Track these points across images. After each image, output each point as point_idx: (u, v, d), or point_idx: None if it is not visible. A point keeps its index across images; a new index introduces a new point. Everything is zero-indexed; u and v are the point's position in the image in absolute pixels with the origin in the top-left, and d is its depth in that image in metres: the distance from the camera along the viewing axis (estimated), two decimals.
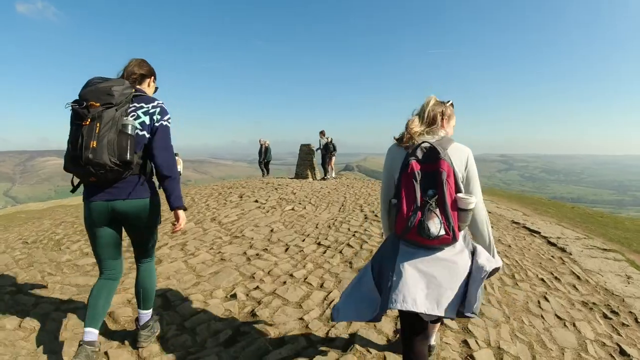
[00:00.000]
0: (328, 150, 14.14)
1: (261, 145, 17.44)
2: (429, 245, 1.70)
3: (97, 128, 1.90)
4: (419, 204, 1.61)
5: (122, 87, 2.06)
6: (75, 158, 1.92)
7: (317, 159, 15.23)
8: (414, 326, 1.84)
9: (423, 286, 1.70)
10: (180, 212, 2.25)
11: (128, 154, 1.97)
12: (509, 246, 5.94)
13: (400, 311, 1.79)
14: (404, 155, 1.76)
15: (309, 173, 14.19)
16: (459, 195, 1.65)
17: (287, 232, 5.25)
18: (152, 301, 2.48)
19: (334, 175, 15.23)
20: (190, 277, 3.56)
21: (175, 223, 2.27)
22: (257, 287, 3.36)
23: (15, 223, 6.85)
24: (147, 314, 2.47)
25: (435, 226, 1.59)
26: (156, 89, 2.51)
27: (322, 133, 14.33)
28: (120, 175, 2.04)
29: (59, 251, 4.43)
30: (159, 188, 2.33)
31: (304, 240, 4.89)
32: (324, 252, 4.45)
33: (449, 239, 1.62)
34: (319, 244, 4.78)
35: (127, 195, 2.13)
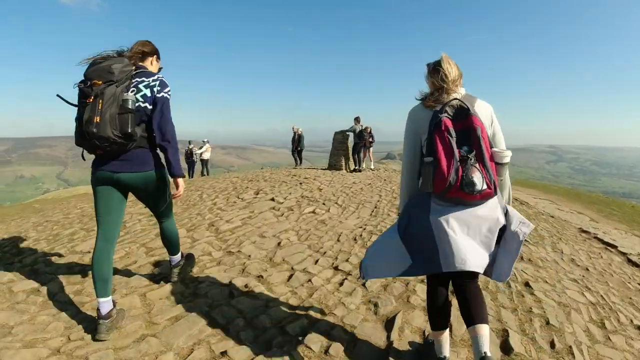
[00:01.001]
0: (362, 138, 12.69)
1: (294, 132, 16.35)
2: (467, 200, 1.70)
3: (100, 104, 2.08)
4: (458, 160, 1.62)
5: (122, 64, 2.23)
6: (82, 133, 2.12)
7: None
8: (444, 283, 1.94)
9: (466, 243, 1.70)
10: (180, 180, 2.48)
11: (129, 127, 2.14)
12: (587, 269, 4.57)
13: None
14: (430, 115, 1.76)
15: (343, 163, 12.84)
16: (494, 149, 1.73)
17: (297, 248, 4.02)
18: (178, 247, 2.93)
19: (372, 166, 13.80)
20: (137, 325, 2.39)
21: (174, 192, 2.52)
22: (226, 354, 2.15)
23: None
24: (176, 257, 2.98)
25: (479, 180, 1.60)
26: (160, 68, 2.67)
27: (356, 119, 12.92)
28: (124, 148, 2.22)
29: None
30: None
31: (316, 262, 3.65)
32: (341, 283, 3.20)
33: (491, 193, 1.66)
34: (336, 268, 3.53)
35: (131, 167, 2.30)
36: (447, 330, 2.02)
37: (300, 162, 16.58)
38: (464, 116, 1.68)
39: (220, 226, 4.70)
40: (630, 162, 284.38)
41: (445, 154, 1.62)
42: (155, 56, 2.59)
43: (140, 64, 2.46)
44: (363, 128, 12.73)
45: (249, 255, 3.75)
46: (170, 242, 2.84)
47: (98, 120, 2.04)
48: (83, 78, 2.17)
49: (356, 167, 12.66)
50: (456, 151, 1.61)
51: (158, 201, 2.56)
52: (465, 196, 1.64)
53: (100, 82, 2.12)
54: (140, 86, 2.31)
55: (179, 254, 2.99)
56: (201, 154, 17.28)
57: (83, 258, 3.60)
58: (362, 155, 12.85)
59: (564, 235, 6.41)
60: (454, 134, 1.64)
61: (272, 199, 6.36)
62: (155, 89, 2.33)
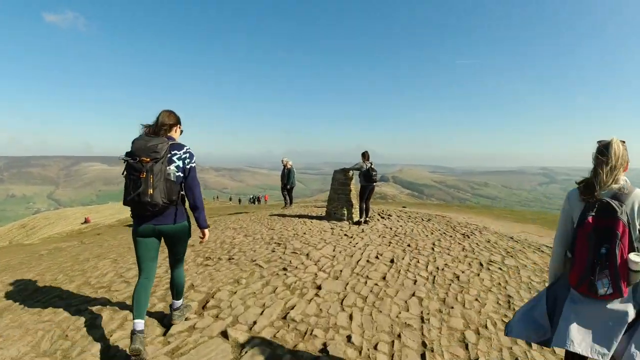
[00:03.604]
0: (371, 180, 9.07)
1: (284, 166, 13.33)
2: (595, 298, 1.88)
3: (151, 179, 2.68)
4: (591, 264, 1.83)
5: (164, 144, 2.82)
6: (134, 200, 2.70)
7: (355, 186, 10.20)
8: None
9: (589, 331, 1.90)
10: (206, 231, 3.22)
11: (174, 195, 2.87)
12: None
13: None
14: (582, 207, 1.95)
15: (345, 212, 9.63)
16: (630, 256, 1.78)
17: None
18: (182, 294, 3.39)
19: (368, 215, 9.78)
20: None
21: (202, 238, 3.24)
22: None
23: None
24: (179, 302, 3.40)
25: (604, 286, 1.79)
26: (181, 131, 3.26)
27: (365, 155, 9.16)
28: (167, 208, 2.88)
29: None
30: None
31: None
32: None
33: (617, 296, 1.81)
34: None
35: (172, 221, 2.96)
36: None
37: (291, 203, 13.48)
38: (610, 216, 1.80)
39: None
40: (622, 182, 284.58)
41: (581, 255, 1.88)
42: (178, 125, 3.19)
43: (169, 134, 3.07)
44: (372, 166, 9.15)
45: None
46: (177, 288, 3.29)
47: (152, 192, 2.67)
48: (131, 153, 2.74)
49: (361, 219, 9.35)
50: (591, 255, 1.83)
51: (182, 246, 3.17)
52: (592, 295, 1.86)
53: (149, 160, 2.70)
54: (174, 158, 2.91)
55: (182, 299, 3.43)
56: None
57: None
58: (369, 202, 9.59)
59: None
60: (593, 236, 1.82)
61: (224, 334, 3.28)
62: (186, 161, 2.97)
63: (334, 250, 6.08)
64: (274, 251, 5.92)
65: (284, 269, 5.03)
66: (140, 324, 2.79)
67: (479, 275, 5.26)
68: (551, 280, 2.22)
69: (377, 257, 5.80)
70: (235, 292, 4.18)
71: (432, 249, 6.55)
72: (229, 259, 5.50)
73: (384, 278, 4.89)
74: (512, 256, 6.40)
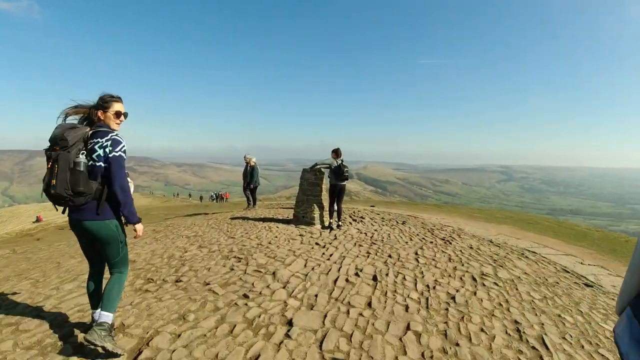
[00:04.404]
0: (342, 178, 8.06)
1: (246, 163, 12.19)
2: None
3: (56, 169, 2.50)
4: None
5: (77, 131, 2.62)
6: (45, 191, 2.55)
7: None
8: None
9: None
10: (137, 226, 2.83)
11: (81, 186, 2.55)
12: None
13: None
14: None
15: (316, 215, 8.60)
16: None
17: None
18: (112, 306, 2.83)
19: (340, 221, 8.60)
20: None
21: (136, 233, 2.85)
22: None
23: None
24: (105, 314, 2.78)
25: None
26: (118, 115, 2.85)
27: (336, 152, 8.23)
28: (84, 200, 2.60)
29: None
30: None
31: None
32: None
33: None
34: None
35: (93, 216, 2.66)
36: None
37: (254, 204, 12.36)
38: None
39: None
40: (577, 181, 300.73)
41: None
42: (102, 110, 2.80)
43: (102, 122, 2.80)
44: (342, 163, 8.14)
45: None
46: (110, 297, 2.82)
47: (55, 183, 2.48)
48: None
49: (332, 222, 8.37)
50: None
51: (109, 250, 2.81)
52: None
53: (58, 148, 2.54)
54: (96, 147, 2.64)
55: (112, 315, 2.82)
56: None
57: None
58: (342, 204, 8.58)
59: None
60: None
61: None
62: (107, 149, 2.64)
63: (305, 266, 5.09)
64: (232, 269, 4.86)
65: (245, 295, 3.99)
66: (95, 314, 2.90)
67: (475, 294, 4.52)
68: (623, 306, 1.74)
69: (357, 275, 4.87)
70: (179, 336, 3.12)
71: (417, 260, 5.73)
72: (177, 281, 4.42)
73: (369, 304, 3.97)
74: (501, 266, 5.81)
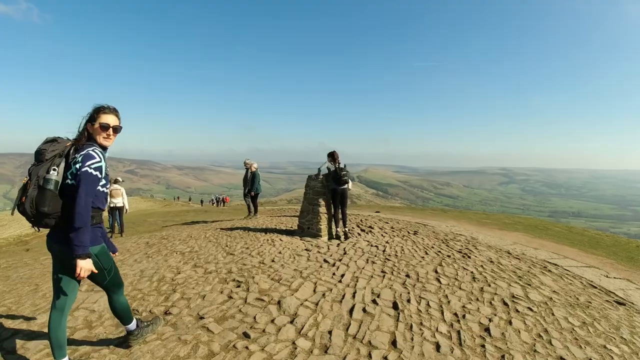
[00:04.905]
0: (341, 182, 7.55)
1: (247, 169, 11.56)
2: None
3: (29, 185, 2.28)
4: None
5: (53, 144, 2.38)
6: (16, 207, 2.33)
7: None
8: None
9: None
10: (79, 262, 2.29)
11: (45, 206, 2.25)
12: None
13: None
14: None
15: (322, 227, 7.93)
16: None
17: None
18: (128, 317, 2.89)
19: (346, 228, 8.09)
20: None
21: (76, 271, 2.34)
22: None
23: None
24: (129, 327, 2.94)
25: None
26: (109, 127, 2.49)
27: (332, 156, 7.71)
28: (51, 222, 2.33)
29: None
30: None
31: None
32: None
33: None
34: None
35: (61, 238, 2.35)
36: None
37: (255, 212, 11.72)
38: None
39: None
40: (578, 182, 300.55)
41: None
42: (95, 123, 2.48)
43: (90, 136, 2.49)
44: (339, 166, 7.63)
45: None
46: (120, 315, 2.83)
47: (24, 200, 2.26)
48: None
49: (338, 231, 7.79)
50: None
51: (94, 279, 2.56)
52: None
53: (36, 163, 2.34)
54: (72, 163, 2.35)
55: (134, 321, 2.97)
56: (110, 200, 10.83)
57: None
58: (346, 209, 8.12)
59: None
60: None
61: None
62: (78, 165, 2.32)
63: (314, 291, 4.45)
64: (231, 297, 4.21)
65: (246, 334, 3.34)
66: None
67: (510, 323, 3.90)
68: None
69: (374, 301, 4.24)
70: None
71: (438, 279, 5.10)
72: (166, 312, 3.79)
73: (393, 343, 3.34)
74: (529, 284, 5.21)
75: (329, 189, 7.78)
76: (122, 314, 2.84)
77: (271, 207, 20.92)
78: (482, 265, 5.99)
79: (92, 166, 2.33)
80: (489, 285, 5.00)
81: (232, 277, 4.90)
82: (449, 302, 4.34)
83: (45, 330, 3.46)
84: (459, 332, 3.60)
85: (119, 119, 2.59)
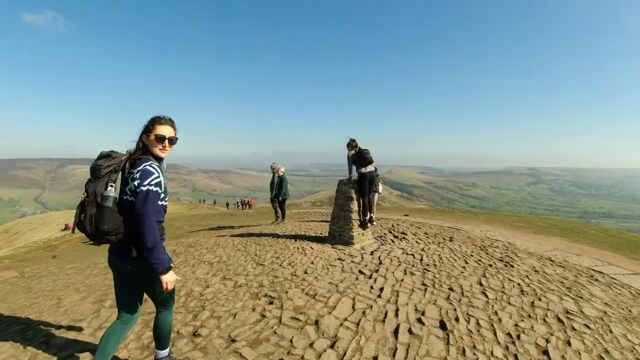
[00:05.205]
0: (364, 161, 7.36)
1: (274, 173, 11.29)
2: None
3: (87, 202, 2.24)
4: None
5: (108, 159, 2.32)
6: (76, 224, 2.29)
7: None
8: None
9: None
10: (164, 277, 2.29)
11: (105, 224, 2.19)
12: None
13: None
14: None
15: (354, 234, 7.56)
16: None
17: None
18: (165, 343, 2.75)
19: (374, 219, 7.91)
20: None
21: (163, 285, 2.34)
22: None
23: None
24: (163, 352, 2.76)
25: None
26: (164, 139, 2.43)
27: (351, 145, 7.52)
28: (113, 239, 2.26)
29: None
30: None
31: None
32: None
33: None
34: None
35: (127, 255, 2.33)
36: None
37: (283, 218, 11.41)
38: None
39: None
40: (609, 182, 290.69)
41: None
42: (151, 134, 2.40)
43: (146, 149, 2.44)
44: (360, 148, 7.48)
45: None
46: (160, 335, 2.72)
47: (82, 218, 2.22)
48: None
49: (365, 219, 7.55)
50: None
51: (150, 290, 2.50)
52: None
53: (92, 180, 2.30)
54: (129, 179, 2.29)
55: (167, 349, 2.80)
56: None
57: None
58: (373, 198, 7.89)
59: None
60: None
61: None
62: (135, 182, 2.26)
63: (353, 309, 4.08)
64: (264, 316, 3.87)
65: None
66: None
67: (569, 343, 3.50)
68: None
69: (419, 320, 3.84)
70: None
71: (484, 293, 4.68)
72: (194, 333, 3.49)
73: None
74: (580, 297, 4.77)
75: (358, 174, 7.52)
76: (163, 334, 2.72)
77: (297, 210, 20.67)
78: (527, 276, 5.54)
79: (152, 183, 2.28)
80: (540, 299, 4.56)
81: (264, 291, 4.58)
82: (499, 320, 3.93)
83: (66, 352, 3.21)
84: (516, 357, 3.20)
85: (175, 129, 2.52)
